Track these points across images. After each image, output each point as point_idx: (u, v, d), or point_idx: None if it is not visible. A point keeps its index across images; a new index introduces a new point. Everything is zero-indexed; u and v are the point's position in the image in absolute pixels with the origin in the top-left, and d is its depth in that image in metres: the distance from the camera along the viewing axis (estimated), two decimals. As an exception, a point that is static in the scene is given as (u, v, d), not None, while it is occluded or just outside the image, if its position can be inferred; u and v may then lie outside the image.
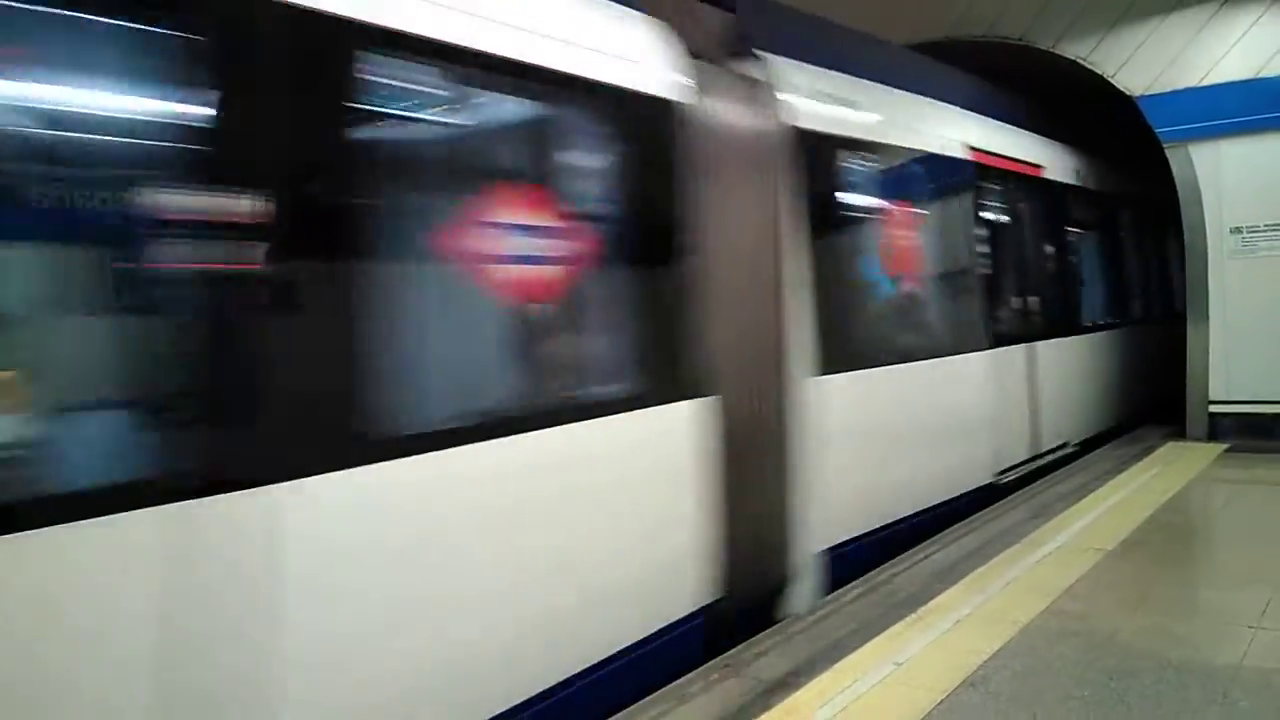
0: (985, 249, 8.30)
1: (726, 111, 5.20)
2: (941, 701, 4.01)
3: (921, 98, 7.73)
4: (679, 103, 4.81)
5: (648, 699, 4.21)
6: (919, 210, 7.35)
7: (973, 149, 8.09)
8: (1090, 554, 6.07)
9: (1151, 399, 12.00)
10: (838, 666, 4.42)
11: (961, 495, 7.36)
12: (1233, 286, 10.16)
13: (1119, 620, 4.91)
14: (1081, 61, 10.75)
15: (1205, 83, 10.14)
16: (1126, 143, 11.61)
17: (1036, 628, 4.84)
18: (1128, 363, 11.63)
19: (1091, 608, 5.13)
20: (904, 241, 7.02)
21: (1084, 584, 5.51)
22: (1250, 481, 8.52)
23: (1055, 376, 9.24)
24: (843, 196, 6.30)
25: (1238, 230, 10.12)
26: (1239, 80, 9.94)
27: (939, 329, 7.52)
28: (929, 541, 6.61)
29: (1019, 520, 7.09)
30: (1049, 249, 9.76)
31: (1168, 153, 10.42)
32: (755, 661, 4.57)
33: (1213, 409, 10.24)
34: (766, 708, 4.01)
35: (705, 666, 4.55)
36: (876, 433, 6.32)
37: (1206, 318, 10.29)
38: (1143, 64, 10.46)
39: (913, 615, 5.07)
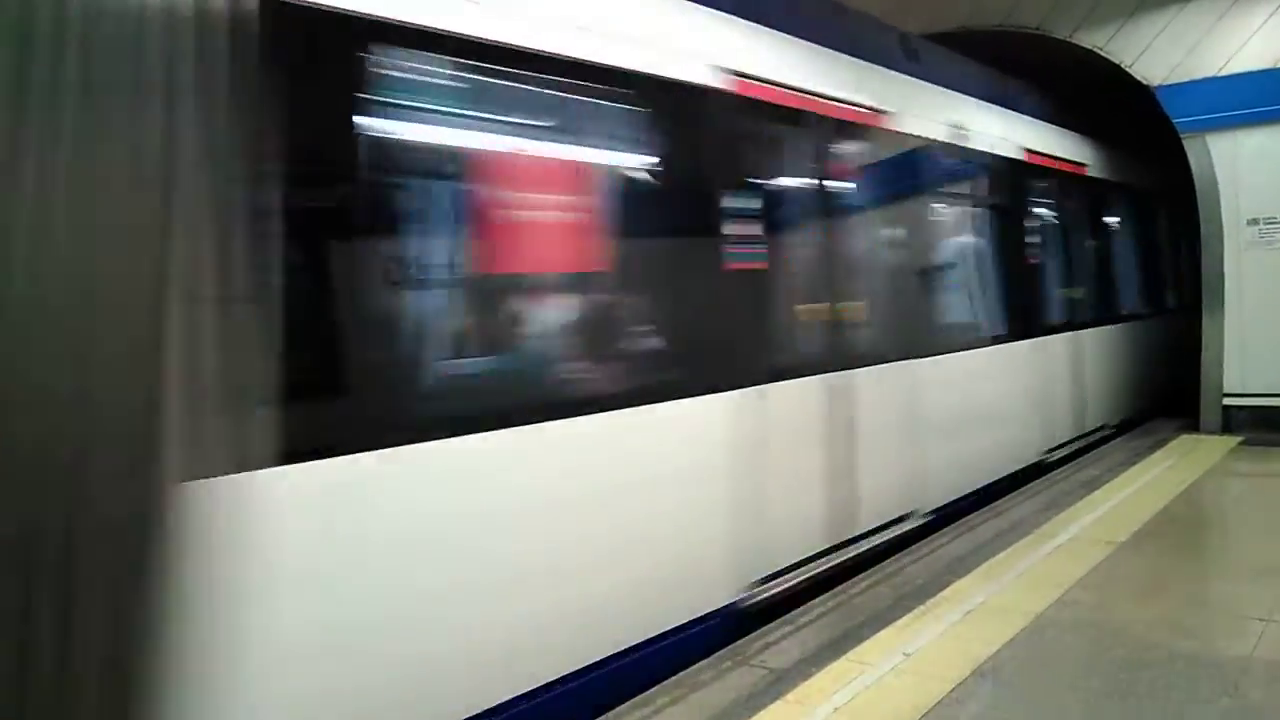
0: (748, 232, 5.25)
1: None
2: (952, 691, 4.02)
3: None
4: None
5: (658, 687, 4.23)
6: (593, 166, 4.59)
7: (732, 74, 5.20)
8: (1102, 546, 6.06)
9: (1079, 430, 9.66)
10: (848, 656, 4.44)
11: (659, 639, 4.48)
12: (1249, 278, 10.10)
13: (1130, 612, 4.91)
14: (1099, 51, 10.69)
15: (1224, 72, 10.07)
16: (1144, 134, 11.50)
17: (1048, 619, 4.84)
18: (1037, 387, 8.75)
19: (1103, 599, 5.12)
20: (541, 217, 4.20)
21: (1096, 575, 5.50)
22: (1264, 474, 8.48)
23: (884, 419, 6.22)
24: (385, 130, 3.59)
25: (1254, 221, 10.06)
26: (1258, 70, 9.87)
27: (618, 361, 4.58)
28: (940, 532, 6.61)
29: (1032, 512, 7.08)
30: (892, 234, 6.83)
31: (1185, 143, 10.36)
32: (765, 651, 4.58)
33: (1227, 401, 10.18)
34: (777, 697, 4.03)
35: (715, 656, 4.56)
36: (429, 557, 3.52)
37: (1222, 309, 10.23)
38: (1160, 53, 10.39)
39: (923, 606, 5.08)
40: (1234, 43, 10.01)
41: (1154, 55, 10.43)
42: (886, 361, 6.33)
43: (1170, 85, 10.37)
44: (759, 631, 4.84)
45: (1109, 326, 10.62)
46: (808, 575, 5.46)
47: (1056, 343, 9.17)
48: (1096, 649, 4.46)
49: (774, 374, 5.28)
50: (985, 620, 4.85)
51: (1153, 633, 4.60)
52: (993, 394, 8.08)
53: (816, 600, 5.27)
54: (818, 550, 5.59)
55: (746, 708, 3.95)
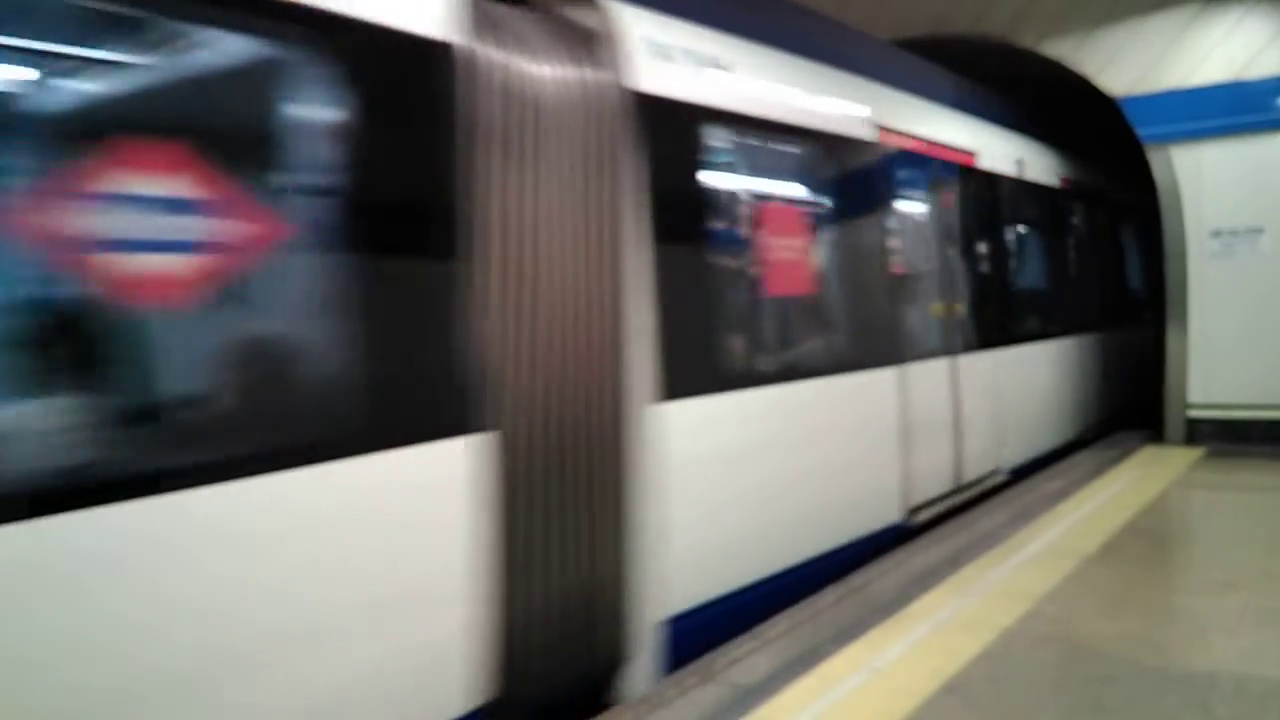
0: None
1: None
2: (920, 707, 3.96)
3: None
4: None
5: (620, 705, 4.15)
6: None
7: None
8: (1070, 558, 6.04)
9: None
10: (815, 671, 4.37)
11: None
12: (1212, 290, 10.16)
13: (1098, 625, 4.88)
14: (1064, 62, 10.75)
15: (1187, 85, 10.15)
16: (1113, 145, 11.57)
17: (1016, 632, 4.80)
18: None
19: (1071, 612, 5.09)
20: None
21: (1064, 589, 5.48)
22: (1228, 486, 8.53)
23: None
24: None
25: (1218, 234, 10.13)
26: (1221, 83, 9.95)
27: None
28: (909, 545, 6.57)
29: (999, 524, 7.06)
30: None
31: (1149, 155, 10.43)
32: (732, 667, 4.50)
33: (1191, 413, 10.24)
34: (744, 713, 3.95)
35: (680, 672, 4.48)
36: None
37: (1185, 321, 10.30)
38: (1125, 65, 10.45)
39: (891, 620, 5.02)
40: (1196, 55, 10.09)
41: (1118, 67, 10.49)
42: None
43: (1135, 97, 10.43)
44: (725, 646, 4.76)
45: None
46: None
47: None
48: (1065, 664, 4.42)
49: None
50: (954, 635, 4.80)
51: (1121, 647, 4.57)
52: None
53: (784, 614, 5.20)
54: None
55: (713, 726, 3.88)
